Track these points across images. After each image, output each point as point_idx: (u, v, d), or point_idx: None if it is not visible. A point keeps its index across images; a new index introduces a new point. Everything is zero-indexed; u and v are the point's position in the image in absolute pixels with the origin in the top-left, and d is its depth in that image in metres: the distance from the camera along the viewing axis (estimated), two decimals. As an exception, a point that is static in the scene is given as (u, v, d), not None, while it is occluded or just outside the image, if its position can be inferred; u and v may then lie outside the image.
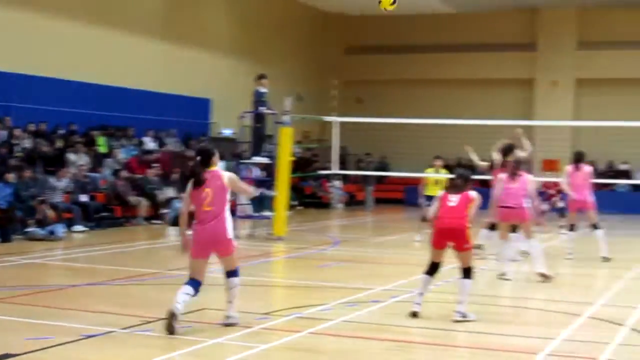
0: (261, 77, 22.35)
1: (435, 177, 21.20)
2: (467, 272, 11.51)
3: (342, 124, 24.73)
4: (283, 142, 22.19)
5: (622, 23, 39.59)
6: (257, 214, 23.97)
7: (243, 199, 23.47)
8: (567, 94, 40.22)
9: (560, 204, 23.83)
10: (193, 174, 10.49)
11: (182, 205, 10.85)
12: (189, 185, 10.57)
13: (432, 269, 11.69)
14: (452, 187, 11.88)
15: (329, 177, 35.31)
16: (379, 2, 15.06)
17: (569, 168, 18.71)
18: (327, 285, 14.51)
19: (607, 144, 36.89)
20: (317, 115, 32.17)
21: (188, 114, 32.41)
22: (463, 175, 11.92)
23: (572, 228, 18.92)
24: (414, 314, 11.39)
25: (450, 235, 11.47)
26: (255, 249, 19.71)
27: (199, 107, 33.47)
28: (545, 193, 25.08)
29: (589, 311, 12.20)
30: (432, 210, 11.84)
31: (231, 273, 10.70)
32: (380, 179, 38.66)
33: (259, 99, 22.15)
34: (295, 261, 18.28)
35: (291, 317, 11.22)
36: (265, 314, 11.40)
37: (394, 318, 11.45)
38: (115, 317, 10.87)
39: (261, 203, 25.05)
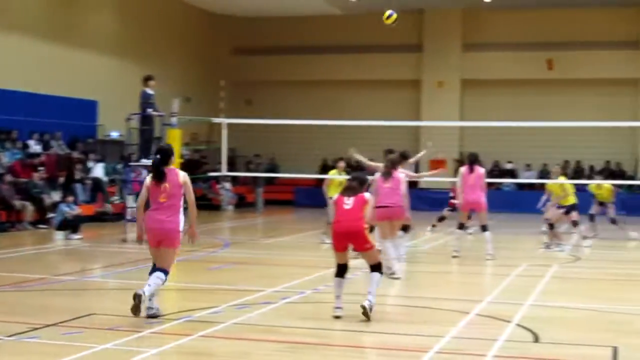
0: (148, 78, 22.11)
1: (339, 178, 21.14)
2: (375, 268, 11.72)
3: (231, 125, 24.66)
4: (171, 144, 21.98)
5: (504, 25, 40.37)
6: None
7: (132, 202, 23.23)
8: (452, 94, 40.81)
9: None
10: (156, 169, 11.18)
11: (140, 197, 11.36)
12: (148, 179, 11.20)
13: (340, 270, 11.79)
14: (348, 189, 11.98)
15: (218, 179, 35.19)
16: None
17: (463, 169, 18.99)
18: (218, 287, 14.45)
19: (492, 143, 37.47)
20: (206, 117, 32.00)
21: (74, 116, 31.84)
22: (359, 177, 12.11)
23: (461, 227, 19.21)
24: (337, 318, 11.47)
25: (348, 238, 11.62)
26: (144, 253, 19.49)
27: (86, 109, 32.92)
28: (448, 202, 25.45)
29: (476, 309, 12.39)
30: (330, 214, 11.99)
31: (162, 270, 11.00)
32: (270, 181, 38.67)
33: (146, 101, 21.90)
34: (186, 264, 18.11)
35: (182, 321, 11.12)
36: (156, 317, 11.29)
37: (285, 319, 11.46)
38: (1, 325, 10.62)
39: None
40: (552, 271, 17.07)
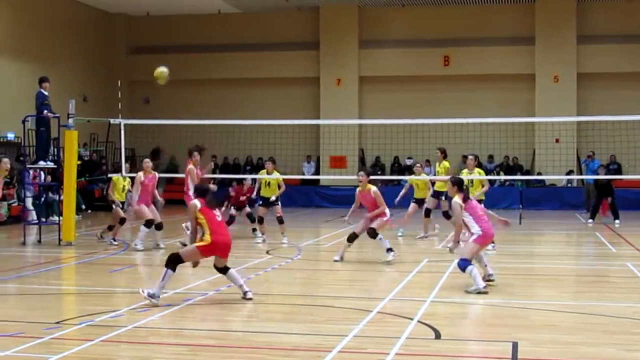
0: (43, 79, 21.87)
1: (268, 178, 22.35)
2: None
3: (130, 125, 24.46)
4: (68, 146, 21.74)
5: (400, 22, 40.76)
6: (45, 220, 23.45)
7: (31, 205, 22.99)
8: (351, 91, 41.00)
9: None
10: None
11: None
12: None
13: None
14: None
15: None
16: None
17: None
18: (119, 290, 14.33)
19: (391, 140, 37.67)
20: (103, 118, 31.64)
21: (-33, 118, 31.34)
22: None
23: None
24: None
25: None
26: (43, 256, 19.27)
27: (-20, 111, 32.41)
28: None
29: (378, 306, 12.47)
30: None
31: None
32: (169, 180, 38.40)
33: (42, 102, 21.67)
34: (86, 267, 17.92)
35: (82, 326, 10.99)
36: (56, 323, 11.12)
37: (187, 322, 11.43)
38: None
39: (49, 208, 24.51)
40: (452, 267, 17.27)
